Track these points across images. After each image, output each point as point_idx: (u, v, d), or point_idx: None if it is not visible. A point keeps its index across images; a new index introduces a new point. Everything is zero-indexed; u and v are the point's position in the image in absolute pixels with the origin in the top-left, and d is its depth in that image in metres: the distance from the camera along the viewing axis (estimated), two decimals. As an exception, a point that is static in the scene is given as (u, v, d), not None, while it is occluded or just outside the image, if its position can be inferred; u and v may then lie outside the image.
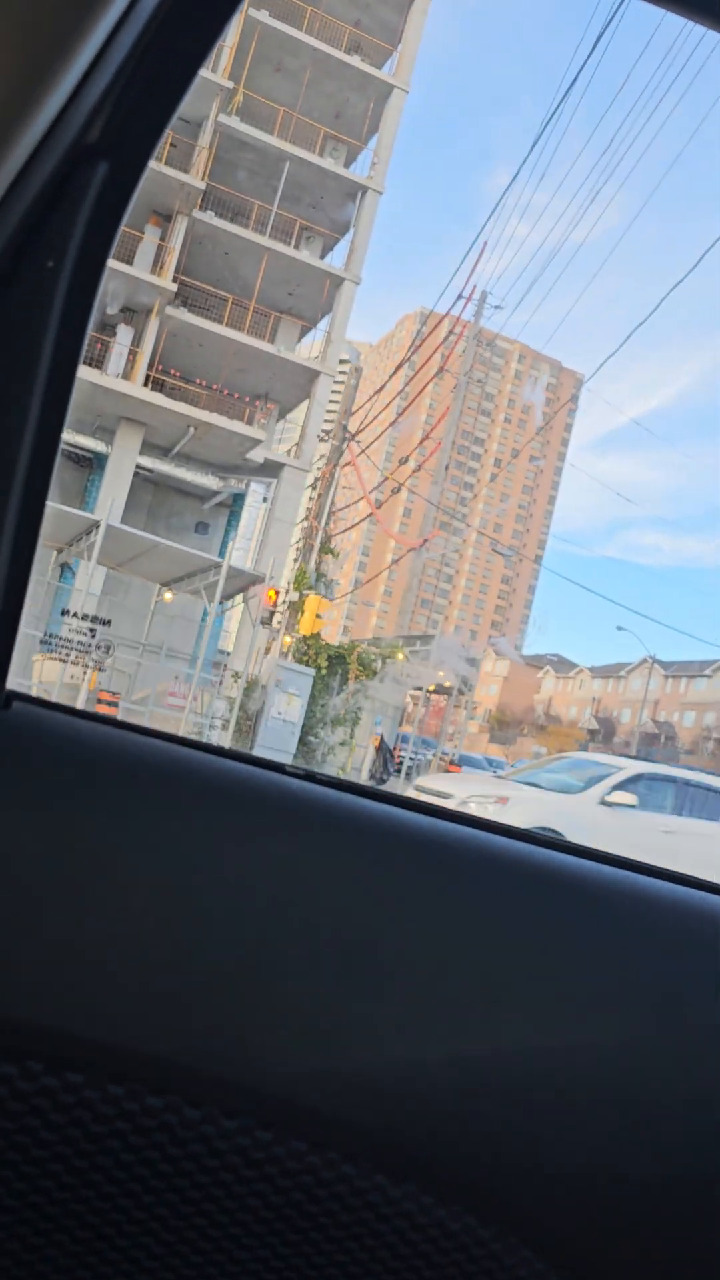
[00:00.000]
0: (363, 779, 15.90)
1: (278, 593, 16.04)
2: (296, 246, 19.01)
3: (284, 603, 16.51)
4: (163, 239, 17.37)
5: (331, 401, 19.27)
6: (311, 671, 15.26)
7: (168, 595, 16.05)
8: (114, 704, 12.56)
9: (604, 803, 8.06)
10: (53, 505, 0.52)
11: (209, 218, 17.52)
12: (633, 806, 8.08)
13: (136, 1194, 0.51)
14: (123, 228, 0.47)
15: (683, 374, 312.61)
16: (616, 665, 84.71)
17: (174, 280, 17.06)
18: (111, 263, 0.48)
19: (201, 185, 16.85)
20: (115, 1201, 0.51)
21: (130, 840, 0.52)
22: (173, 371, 18.23)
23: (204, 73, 0.47)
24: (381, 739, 17.03)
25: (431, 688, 21.42)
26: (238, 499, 19.80)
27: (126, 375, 16.78)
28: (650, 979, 0.57)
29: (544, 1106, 0.54)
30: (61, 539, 15.32)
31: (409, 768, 19.15)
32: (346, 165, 19.31)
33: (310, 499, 18.36)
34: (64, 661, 12.35)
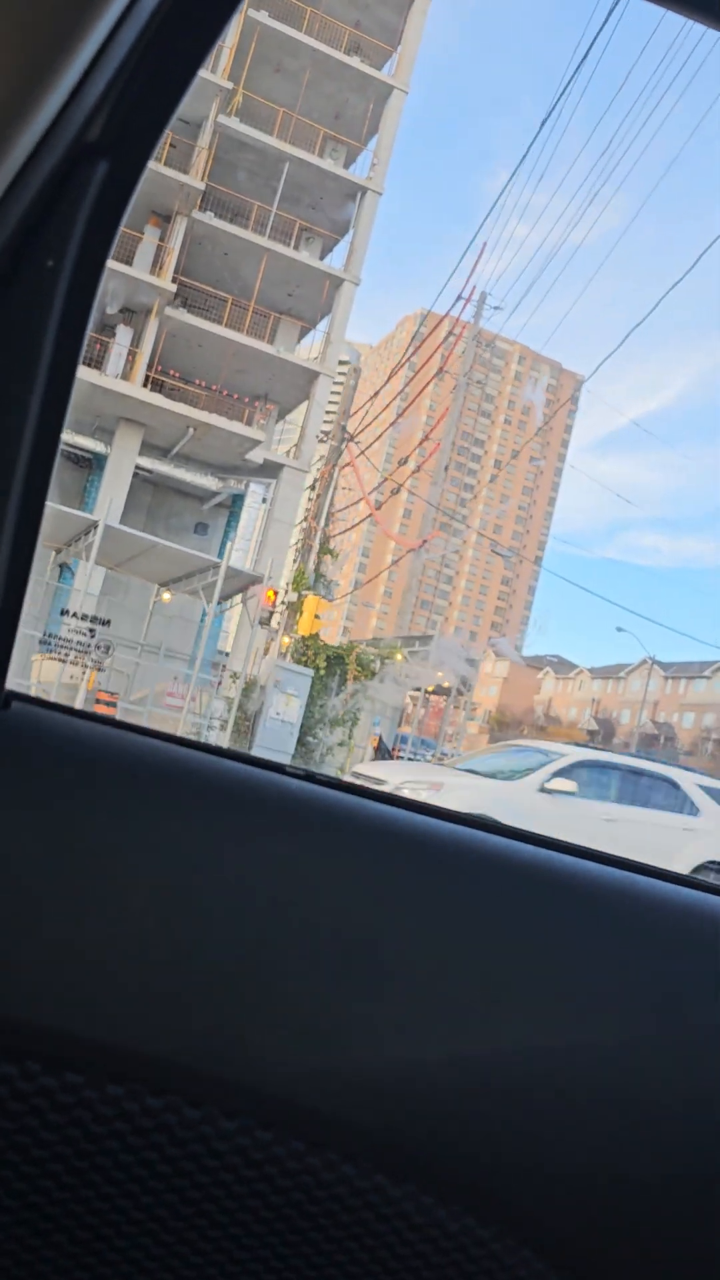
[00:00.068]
0: (362, 780, 15.87)
1: (276, 593, 16.05)
2: (296, 247, 19.02)
3: (282, 603, 16.51)
4: (162, 239, 17.38)
5: (331, 402, 19.28)
6: (310, 672, 15.25)
7: (166, 596, 16.05)
8: (112, 704, 12.56)
9: (543, 790, 7.92)
10: (51, 505, 0.52)
11: (208, 218, 17.53)
12: (572, 794, 7.94)
13: (136, 1194, 0.51)
14: (122, 228, 0.47)
15: (682, 375, 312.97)
16: (616, 666, 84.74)
17: (173, 281, 17.07)
18: (111, 263, 0.48)
19: (201, 186, 16.86)
20: (114, 1202, 0.51)
21: (130, 840, 0.52)
22: (172, 372, 18.23)
23: (203, 73, 0.47)
24: (380, 739, 17.03)
25: (430, 688, 21.43)
26: (237, 500, 19.80)
27: (126, 376, 16.78)
28: (650, 979, 0.57)
29: (544, 1106, 0.54)
30: (60, 539, 15.33)
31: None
32: (346, 166, 19.32)
33: (309, 500, 18.35)
34: (63, 661, 12.35)
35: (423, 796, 7.46)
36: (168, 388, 17.75)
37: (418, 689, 21.11)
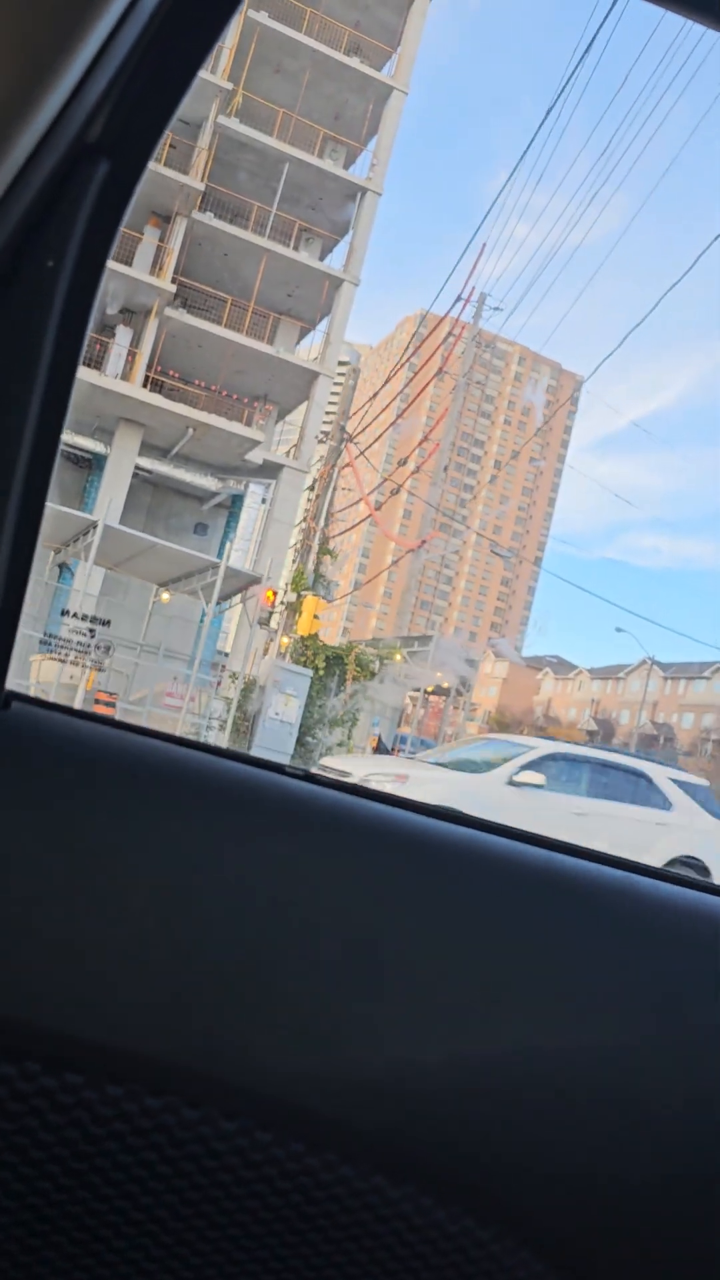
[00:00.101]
0: (361, 780, 15.85)
1: (275, 593, 16.05)
2: (295, 248, 19.03)
3: (281, 604, 16.52)
4: (162, 240, 17.38)
5: (330, 403, 19.28)
6: (309, 672, 15.25)
7: (165, 596, 16.05)
8: (111, 704, 12.56)
9: (511, 783, 7.79)
10: (50, 505, 0.52)
11: (208, 219, 17.54)
12: (540, 786, 7.82)
13: (135, 1195, 0.51)
14: (122, 228, 0.47)
15: (682, 376, 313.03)
16: (616, 667, 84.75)
17: (173, 281, 17.07)
18: (111, 263, 0.48)
19: (201, 186, 16.86)
20: (113, 1203, 0.50)
21: (130, 840, 0.52)
22: (171, 372, 18.23)
23: (203, 74, 0.47)
24: (379, 739, 17.02)
25: (430, 689, 21.43)
26: (236, 500, 19.81)
27: (125, 376, 16.78)
28: (650, 980, 0.57)
29: (543, 1107, 0.54)
30: (59, 539, 15.33)
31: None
32: (346, 167, 19.33)
33: (308, 500, 18.36)
34: (63, 662, 12.35)
35: (388, 788, 7.42)
36: (167, 388, 17.75)
37: (417, 689, 21.11)
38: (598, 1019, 0.56)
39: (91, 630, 12.43)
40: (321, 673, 16.40)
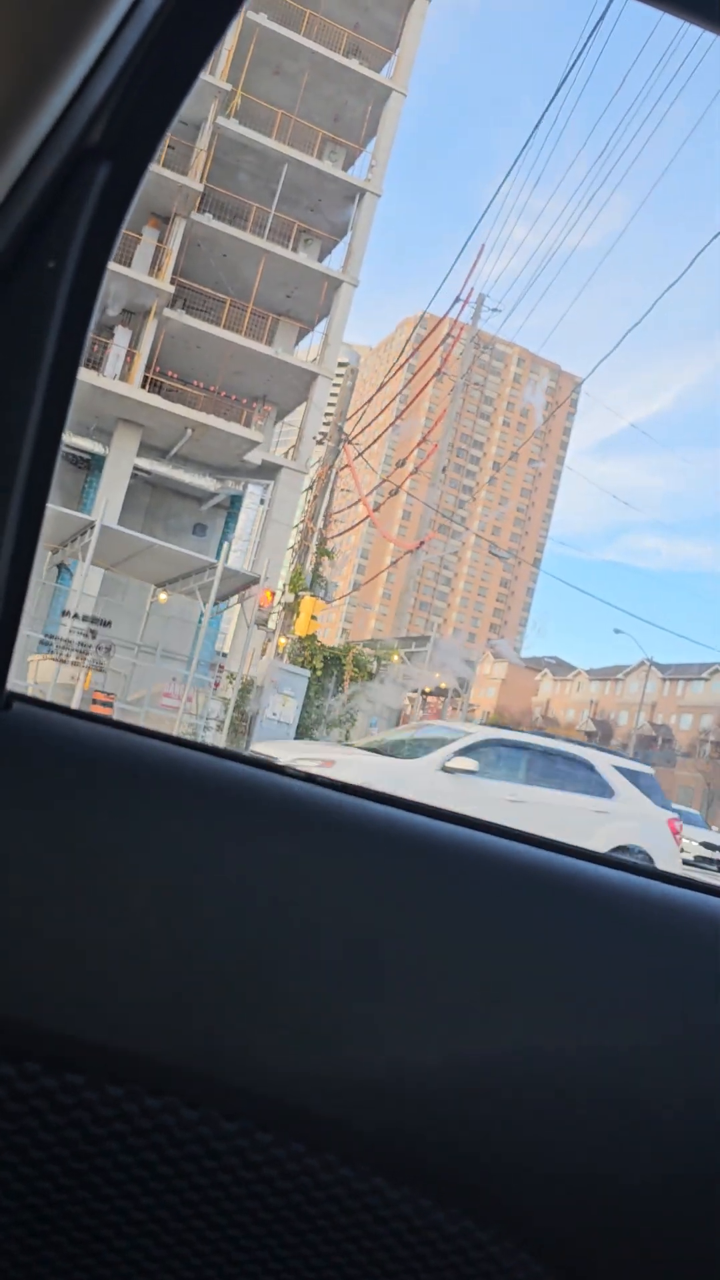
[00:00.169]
0: (359, 781, 15.80)
1: (273, 594, 16.05)
2: (294, 249, 19.04)
3: (279, 604, 16.52)
4: (161, 241, 17.39)
5: (329, 404, 19.29)
6: (307, 673, 15.26)
7: (163, 596, 16.05)
8: (109, 704, 12.56)
9: (445, 769, 7.60)
10: (49, 506, 0.52)
11: (207, 220, 17.55)
12: (473, 773, 7.61)
13: (135, 1195, 0.51)
14: (123, 230, 0.47)
15: (682, 378, 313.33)
16: (614, 668, 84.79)
17: (171, 282, 17.08)
18: (110, 264, 0.48)
19: (199, 187, 16.87)
20: (113, 1203, 0.51)
21: (130, 841, 0.52)
22: (170, 373, 18.23)
23: (202, 75, 0.47)
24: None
25: (427, 690, 21.43)
26: (235, 501, 19.81)
27: (124, 377, 16.79)
28: (650, 980, 0.58)
29: (543, 1108, 0.54)
30: (57, 540, 15.33)
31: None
32: (345, 168, 19.34)
33: (307, 501, 18.37)
34: (63, 662, 12.34)
35: (313, 771, 7.30)
36: (166, 389, 17.75)
37: (415, 690, 21.11)
38: (598, 1019, 0.56)
39: (92, 631, 12.43)
40: (319, 673, 16.41)
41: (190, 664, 14.81)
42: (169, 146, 16.51)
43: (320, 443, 18.27)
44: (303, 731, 15.32)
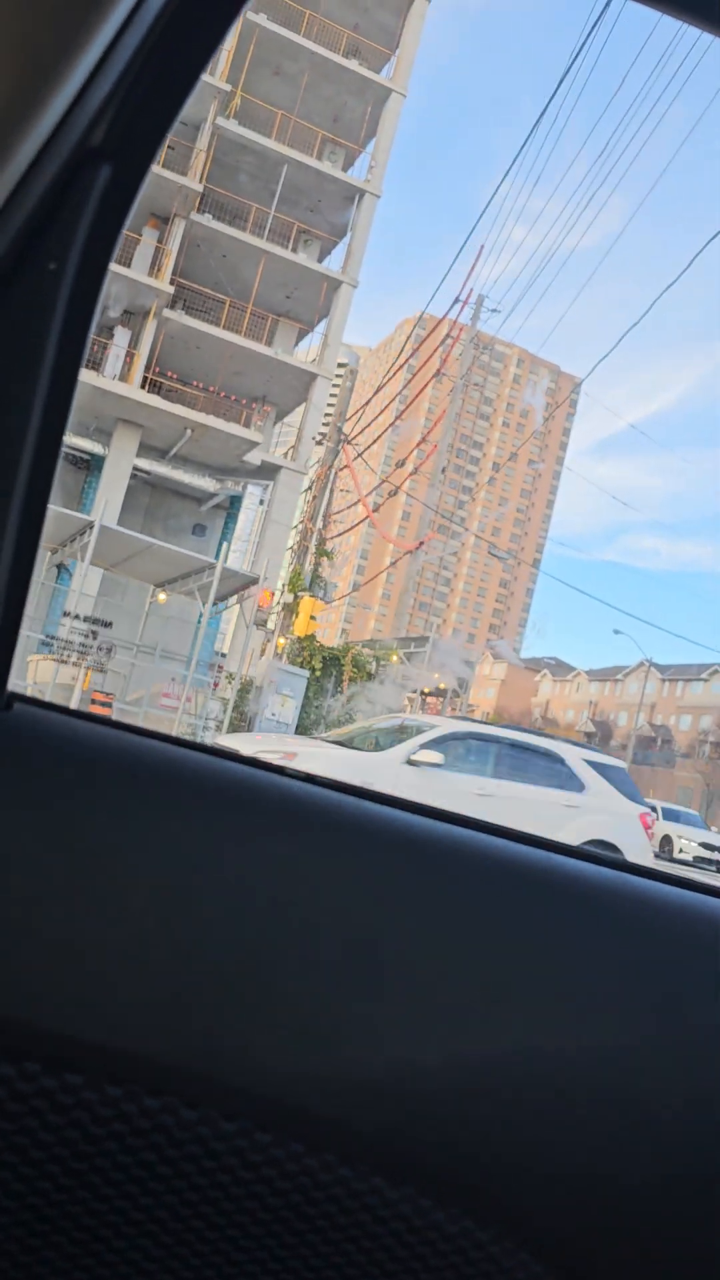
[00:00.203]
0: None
1: (272, 594, 16.05)
2: (294, 249, 19.04)
3: (278, 604, 16.52)
4: (160, 241, 17.39)
5: (329, 405, 19.30)
6: (305, 673, 15.25)
7: (161, 596, 16.05)
8: (107, 704, 12.55)
9: (410, 762, 7.44)
10: (48, 506, 0.52)
11: (206, 220, 17.55)
12: (438, 765, 7.47)
13: (134, 1196, 0.51)
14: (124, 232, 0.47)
15: (682, 379, 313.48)
16: (614, 668, 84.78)
17: (171, 283, 17.08)
18: (110, 266, 0.48)
19: (199, 188, 16.88)
20: (113, 1203, 0.51)
21: (130, 841, 0.52)
22: (170, 374, 18.24)
23: (202, 76, 0.47)
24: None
25: (427, 690, 21.44)
26: (235, 501, 19.81)
27: (124, 377, 16.79)
28: (649, 981, 0.58)
29: (543, 1108, 0.54)
30: (56, 540, 15.32)
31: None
32: (344, 169, 19.34)
33: (306, 502, 18.38)
34: (63, 663, 12.34)
35: (274, 762, 7.21)
36: (165, 389, 17.76)
37: (415, 691, 21.11)
38: (597, 1020, 0.56)
39: (93, 632, 12.42)
40: (318, 674, 16.41)
41: (189, 664, 14.81)
42: (169, 147, 16.51)
43: (319, 443, 18.28)
44: (302, 731, 15.32)
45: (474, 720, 9.17)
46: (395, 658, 19.48)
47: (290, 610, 16.52)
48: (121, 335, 17.01)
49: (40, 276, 0.45)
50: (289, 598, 16.66)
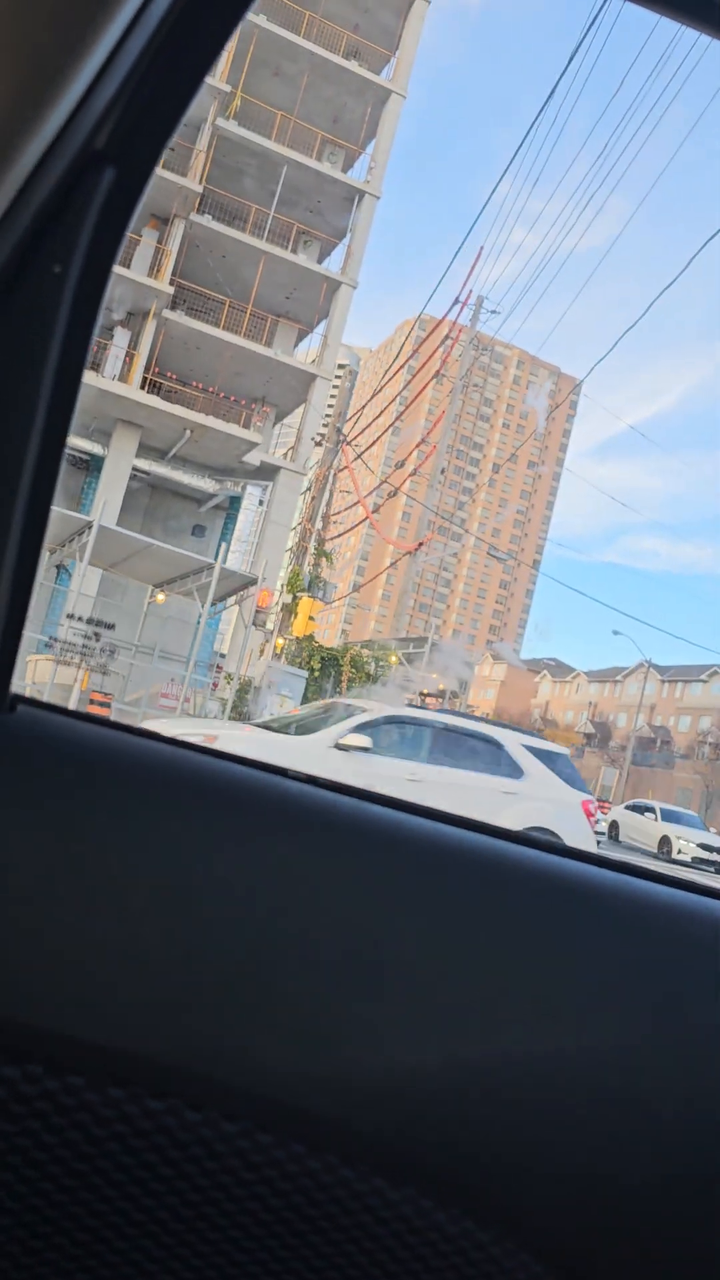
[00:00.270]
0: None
1: (271, 595, 16.06)
2: (294, 250, 19.05)
3: (277, 605, 16.53)
4: (160, 242, 17.40)
5: (329, 406, 19.30)
6: (304, 673, 15.26)
7: (160, 597, 16.05)
8: (106, 705, 12.55)
9: (338, 746, 7.25)
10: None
11: (206, 221, 17.56)
12: (366, 749, 7.27)
13: (136, 1197, 0.51)
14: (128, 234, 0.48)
15: (682, 380, 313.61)
16: (613, 670, 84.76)
17: (171, 283, 17.08)
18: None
19: (199, 189, 16.88)
20: (115, 1204, 0.51)
21: (132, 842, 0.52)
22: (169, 374, 18.24)
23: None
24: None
25: (425, 692, 21.45)
26: (234, 502, 19.81)
27: (123, 378, 16.79)
28: (649, 982, 0.58)
29: (543, 1109, 0.54)
30: (55, 540, 15.32)
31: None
32: (344, 170, 19.35)
33: (305, 503, 18.39)
34: (66, 664, 12.33)
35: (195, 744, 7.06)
36: (165, 390, 17.76)
37: (417, 694, 21.12)
38: (598, 1021, 0.56)
39: (96, 634, 12.41)
40: (317, 674, 16.42)
41: (188, 664, 14.81)
42: (169, 148, 16.51)
43: (319, 444, 18.28)
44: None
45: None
46: (394, 659, 19.48)
47: (289, 611, 16.52)
48: (121, 336, 17.02)
49: (44, 279, 0.45)
50: (288, 598, 16.66)
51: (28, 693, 0.60)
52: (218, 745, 6.82)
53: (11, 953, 0.49)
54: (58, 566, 16.68)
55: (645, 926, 0.60)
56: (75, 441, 17.23)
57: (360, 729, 7.48)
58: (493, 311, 26.26)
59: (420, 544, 26.23)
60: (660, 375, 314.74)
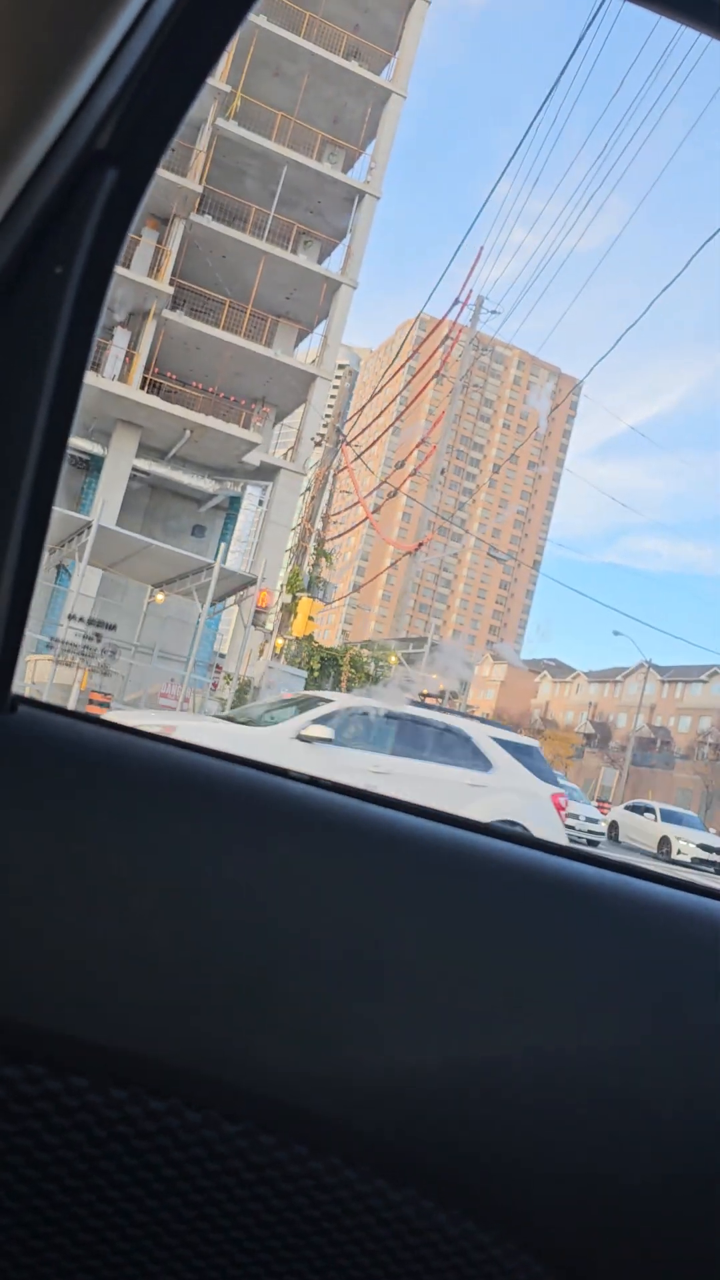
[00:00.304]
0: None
1: (270, 595, 16.06)
2: (294, 251, 19.05)
3: (277, 605, 16.53)
4: (160, 242, 17.40)
5: (329, 406, 19.30)
6: (303, 674, 15.25)
7: (159, 597, 16.05)
8: (105, 704, 12.54)
9: (300, 737, 7.18)
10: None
11: (206, 221, 17.56)
12: (328, 740, 7.19)
13: (138, 1198, 0.51)
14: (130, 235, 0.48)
15: (683, 380, 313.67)
16: (613, 670, 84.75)
17: (171, 283, 17.08)
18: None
19: (199, 189, 16.88)
20: (117, 1205, 0.51)
21: (133, 843, 0.52)
22: (169, 374, 18.24)
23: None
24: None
25: (425, 692, 21.46)
26: (234, 502, 19.81)
27: (123, 378, 16.78)
28: (649, 982, 0.58)
29: (544, 1110, 0.54)
30: (54, 540, 15.32)
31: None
32: (344, 170, 19.35)
33: (305, 503, 18.39)
34: (67, 665, 12.33)
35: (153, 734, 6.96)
36: (165, 390, 17.76)
37: (417, 695, 21.11)
38: (598, 1021, 0.56)
39: (97, 635, 12.40)
40: (316, 674, 16.41)
41: (188, 664, 14.80)
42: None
43: (319, 444, 18.28)
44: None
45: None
46: (394, 659, 19.48)
47: (289, 611, 16.52)
48: (121, 336, 17.02)
49: (45, 280, 0.45)
50: (287, 598, 16.66)
51: (27, 693, 0.60)
52: (176, 735, 6.82)
53: (12, 953, 0.49)
54: (58, 566, 16.68)
55: (645, 927, 0.60)
56: (75, 441, 17.22)
57: (323, 719, 7.40)
58: (493, 312, 26.24)
59: (420, 544, 26.21)
60: (660, 375, 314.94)
